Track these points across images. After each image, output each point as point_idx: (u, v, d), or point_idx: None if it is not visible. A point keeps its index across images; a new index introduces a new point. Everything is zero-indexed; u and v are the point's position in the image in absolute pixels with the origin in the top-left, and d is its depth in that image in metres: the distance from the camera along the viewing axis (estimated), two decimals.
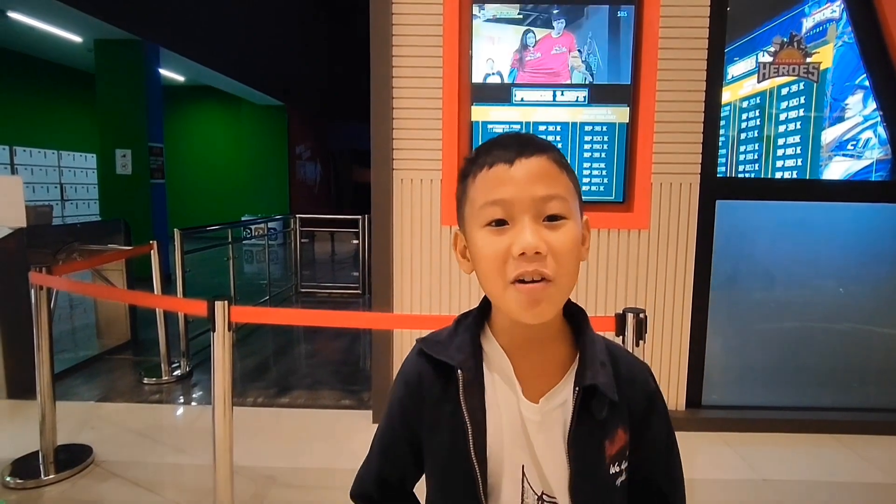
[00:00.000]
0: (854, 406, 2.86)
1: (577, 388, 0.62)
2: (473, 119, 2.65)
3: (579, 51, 2.60)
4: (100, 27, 5.76)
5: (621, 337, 1.56)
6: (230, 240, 4.35)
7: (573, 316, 0.67)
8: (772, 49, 2.85)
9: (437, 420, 0.65)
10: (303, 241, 5.99)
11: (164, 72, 8.39)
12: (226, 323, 1.60)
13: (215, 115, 11.75)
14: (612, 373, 0.64)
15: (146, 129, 6.30)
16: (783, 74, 2.87)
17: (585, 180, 2.69)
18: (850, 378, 2.88)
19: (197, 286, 5.91)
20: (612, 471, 0.63)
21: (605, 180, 2.69)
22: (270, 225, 6.58)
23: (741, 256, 2.86)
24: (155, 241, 3.27)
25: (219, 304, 1.59)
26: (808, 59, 2.84)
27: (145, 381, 3.26)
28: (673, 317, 2.76)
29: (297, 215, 5.97)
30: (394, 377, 2.50)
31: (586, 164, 2.68)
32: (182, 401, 3.07)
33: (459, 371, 0.63)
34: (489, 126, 2.66)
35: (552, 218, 0.58)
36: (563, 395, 0.63)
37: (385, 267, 2.72)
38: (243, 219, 9.88)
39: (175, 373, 3.36)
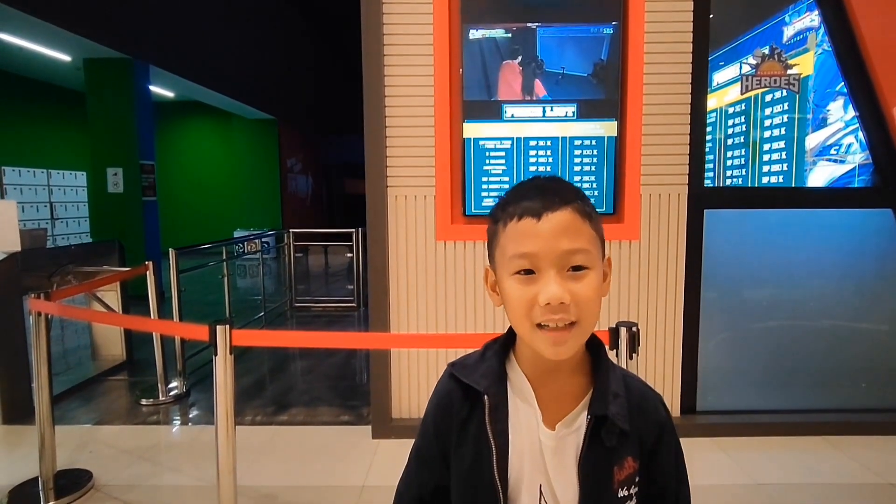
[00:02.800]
0: (842, 407, 2.92)
1: (589, 417, 0.67)
2: (465, 136, 2.70)
3: (562, 67, 2.66)
4: (89, 46, 5.78)
5: (615, 350, 1.60)
6: (224, 257, 4.36)
7: (593, 347, 0.72)
8: (753, 62, 2.93)
9: (463, 439, 0.70)
10: (297, 255, 5.99)
11: (153, 88, 8.40)
12: (227, 347, 1.62)
13: (206, 131, 11.76)
14: (626, 404, 0.68)
15: (137, 147, 6.31)
16: (765, 86, 2.95)
17: None
18: (838, 380, 2.94)
19: (192, 304, 5.89)
20: (621, 494, 0.68)
21: (596, 192, 2.75)
22: (264, 239, 6.58)
23: (730, 263, 2.92)
24: (150, 262, 3.28)
25: (220, 329, 1.61)
26: (789, 71, 2.93)
27: (142, 402, 3.25)
28: (665, 324, 2.81)
29: (291, 230, 5.99)
30: (392, 393, 2.51)
31: (577, 178, 2.74)
32: (180, 421, 3.06)
33: (486, 396, 0.68)
34: (481, 142, 2.71)
35: (576, 268, 0.63)
36: (578, 422, 0.68)
37: (381, 283, 2.75)
38: (235, 233, 9.87)
39: (172, 393, 3.36)
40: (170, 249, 3.52)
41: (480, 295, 2.76)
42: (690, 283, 2.81)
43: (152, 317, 3.31)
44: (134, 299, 4.05)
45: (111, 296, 3.90)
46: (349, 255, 6.29)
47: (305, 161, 12.48)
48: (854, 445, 2.67)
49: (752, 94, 3.03)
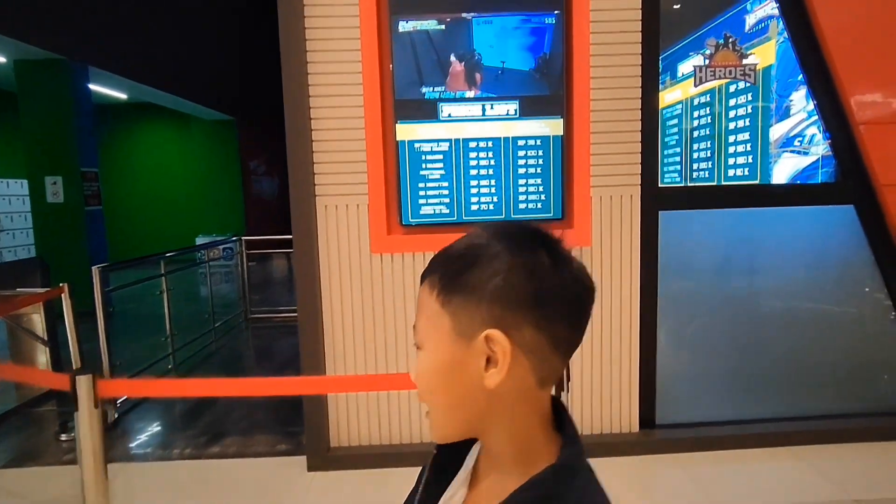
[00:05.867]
0: (808, 414, 2.78)
1: None
2: (399, 138, 2.48)
3: (502, 61, 2.45)
4: (18, 47, 5.38)
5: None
6: (163, 272, 4.07)
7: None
8: (707, 52, 2.76)
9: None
10: (250, 263, 5.70)
11: (103, 90, 7.97)
12: (92, 401, 1.38)
13: (164, 133, 11.29)
14: None
15: (77, 153, 5.93)
16: (719, 77, 2.78)
17: (521, 198, 2.54)
18: (802, 386, 2.81)
19: (138, 319, 5.59)
20: None
21: (543, 196, 2.55)
22: (224, 247, 6.25)
23: (688, 267, 2.76)
24: (66, 284, 2.99)
25: (81, 380, 1.37)
26: (745, 61, 2.76)
27: (62, 437, 2.97)
28: (621, 334, 2.63)
29: (244, 238, 5.69)
30: (329, 418, 2.25)
31: (521, 181, 2.54)
32: None
33: (434, 452, 0.63)
34: (416, 145, 2.49)
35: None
36: None
37: (312, 303, 2.51)
38: (198, 240, 9.49)
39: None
40: (92, 268, 3.22)
41: None
42: (646, 289, 2.63)
43: (71, 343, 3.03)
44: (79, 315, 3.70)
45: (37, 318, 3.59)
46: None
47: (269, 163, 12.06)
48: (819, 455, 2.54)
49: (706, 87, 2.87)
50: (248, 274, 5.62)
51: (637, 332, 2.63)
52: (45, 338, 3.54)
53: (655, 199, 2.62)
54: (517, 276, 0.51)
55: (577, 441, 0.54)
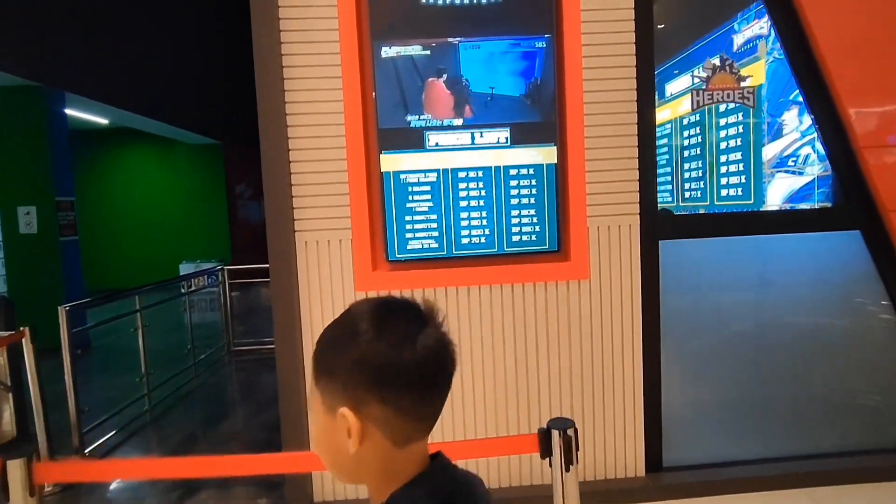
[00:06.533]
0: (824, 452, 2.63)
1: None
2: (383, 169, 2.33)
3: (491, 87, 2.33)
4: None
5: (548, 458, 1.23)
6: (137, 307, 3.86)
7: None
8: (703, 74, 2.66)
9: None
10: (233, 293, 5.49)
11: (83, 115, 7.79)
12: (27, 489, 1.19)
13: (146, 158, 11.09)
14: None
15: (52, 182, 5.72)
16: (717, 101, 2.69)
17: (515, 230, 2.40)
18: (818, 422, 2.66)
19: (117, 355, 5.33)
20: None
21: (537, 228, 2.41)
22: (203, 273, 6.04)
23: (691, 298, 2.62)
24: (27, 328, 2.79)
25: (13, 465, 1.18)
26: (743, 84, 2.67)
27: None
28: (623, 373, 2.48)
29: (226, 267, 5.49)
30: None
31: (514, 212, 2.40)
32: None
33: None
34: (402, 176, 2.34)
35: None
36: None
37: (291, 346, 2.33)
38: (182, 266, 9.26)
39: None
40: (59, 308, 3.02)
41: None
42: (648, 323, 2.49)
43: (32, 394, 2.81)
44: (48, 352, 3.42)
45: (0, 360, 3.36)
46: None
47: (256, 186, 11.91)
48: (836, 498, 2.39)
49: (703, 107, 2.77)
50: (231, 304, 5.40)
51: (640, 370, 2.48)
52: (9, 382, 3.30)
53: (655, 229, 2.49)
54: (363, 359, 0.58)
55: (407, 493, 0.61)
